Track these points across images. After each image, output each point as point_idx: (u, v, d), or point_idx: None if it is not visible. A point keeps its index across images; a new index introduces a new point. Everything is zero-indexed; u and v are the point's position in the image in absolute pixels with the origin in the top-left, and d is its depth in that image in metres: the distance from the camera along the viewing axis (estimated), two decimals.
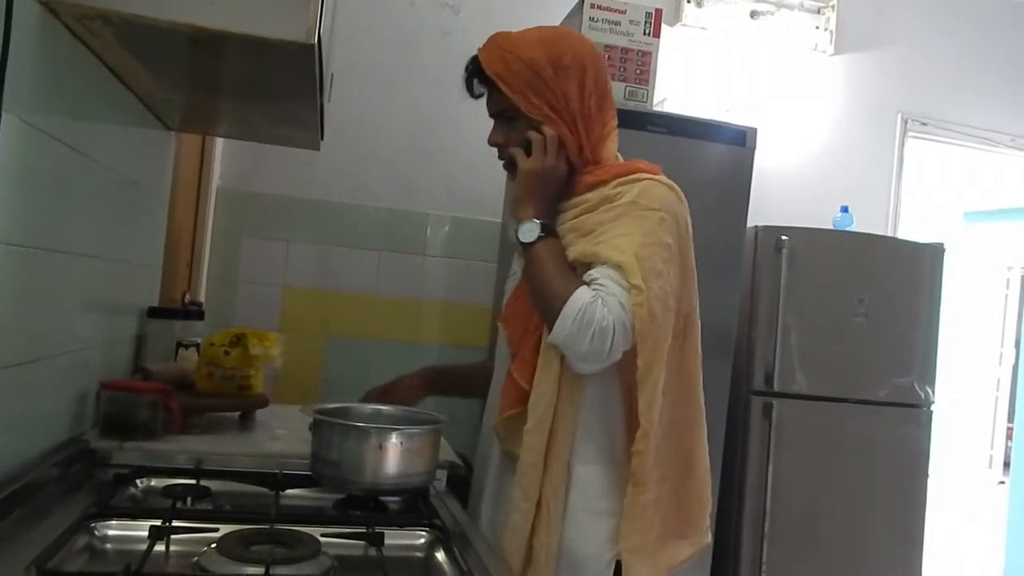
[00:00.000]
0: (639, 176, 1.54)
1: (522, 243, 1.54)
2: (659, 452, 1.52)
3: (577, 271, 1.51)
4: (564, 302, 1.43)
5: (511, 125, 1.59)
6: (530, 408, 1.53)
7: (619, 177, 1.55)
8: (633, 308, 1.42)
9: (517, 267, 1.68)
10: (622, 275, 1.44)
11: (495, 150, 1.65)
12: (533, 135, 1.54)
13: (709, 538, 1.69)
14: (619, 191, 1.53)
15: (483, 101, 1.64)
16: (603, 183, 1.55)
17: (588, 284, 1.46)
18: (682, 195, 1.58)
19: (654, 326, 1.44)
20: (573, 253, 1.52)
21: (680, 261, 1.53)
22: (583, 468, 1.55)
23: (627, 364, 1.48)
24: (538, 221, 1.53)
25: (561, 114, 1.55)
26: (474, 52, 1.62)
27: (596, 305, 1.41)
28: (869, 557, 3.13)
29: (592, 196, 1.55)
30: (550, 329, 1.46)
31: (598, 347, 1.42)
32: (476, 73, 1.59)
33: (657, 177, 1.56)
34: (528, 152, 1.56)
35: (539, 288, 1.52)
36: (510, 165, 1.60)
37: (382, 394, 1.85)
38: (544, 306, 1.50)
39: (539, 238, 1.52)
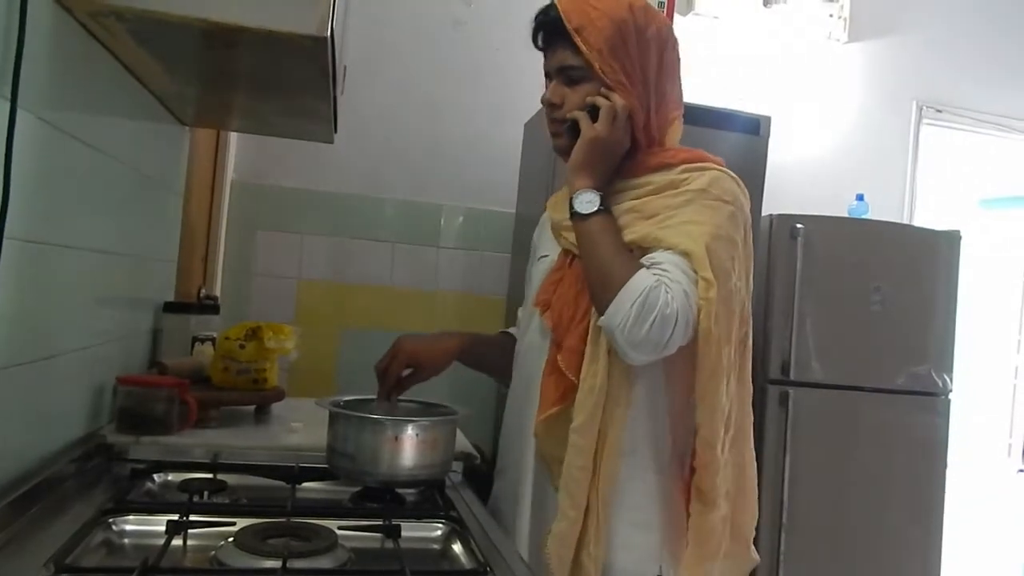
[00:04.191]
0: (708, 165, 1.45)
1: (577, 214, 1.42)
2: (727, 467, 1.44)
3: (633, 254, 1.39)
4: (623, 283, 1.32)
5: (575, 86, 1.46)
6: (577, 405, 1.40)
7: (686, 163, 1.45)
8: (700, 303, 1.32)
9: (551, 249, 1.58)
10: (689, 264, 1.33)
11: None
12: (602, 101, 1.42)
13: (756, 556, 1.56)
14: (687, 177, 1.43)
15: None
16: (669, 167, 1.45)
17: (648, 267, 1.35)
18: (747, 193, 1.48)
19: (718, 328, 1.33)
20: (632, 235, 1.40)
21: (746, 263, 1.45)
22: (627, 475, 1.42)
23: (678, 362, 1.38)
24: (597, 193, 1.41)
25: (635, 85, 1.43)
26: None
27: (660, 290, 1.30)
28: (888, 546, 3.12)
29: (656, 179, 1.45)
30: (602, 312, 1.34)
31: (657, 336, 1.30)
32: (550, 24, 1.46)
33: (724, 169, 1.47)
34: (593, 118, 1.43)
35: (595, 267, 1.39)
36: (571, 128, 1.46)
37: (417, 365, 1.66)
38: (599, 286, 1.37)
39: (598, 211, 1.41)
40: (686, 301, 1.31)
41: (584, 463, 1.39)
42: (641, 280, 1.32)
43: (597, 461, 1.40)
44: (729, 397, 1.43)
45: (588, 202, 1.41)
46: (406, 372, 1.65)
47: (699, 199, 1.40)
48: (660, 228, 1.39)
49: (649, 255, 1.38)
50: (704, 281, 1.32)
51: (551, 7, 1.46)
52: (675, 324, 1.30)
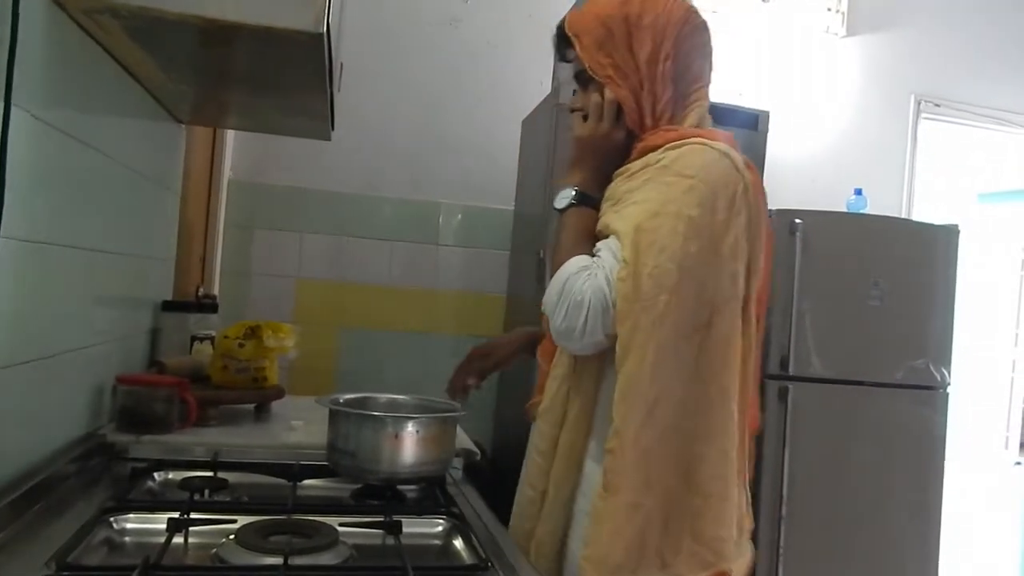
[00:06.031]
0: (690, 141, 1.36)
1: (555, 209, 1.47)
2: (650, 456, 1.28)
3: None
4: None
5: (587, 89, 1.46)
6: (545, 392, 1.46)
7: (671, 142, 1.37)
8: (616, 283, 1.28)
9: None
10: (620, 246, 1.30)
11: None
12: (593, 98, 1.43)
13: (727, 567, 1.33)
14: (662, 157, 1.36)
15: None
16: (654, 148, 1.39)
17: (593, 256, 1.36)
18: (741, 166, 1.36)
19: (638, 306, 1.26)
20: (599, 225, 1.40)
21: (712, 239, 1.30)
22: (593, 466, 1.37)
23: None
24: (574, 189, 1.44)
25: (627, 76, 1.41)
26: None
27: (579, 277, 1.31)
28: (886, 539, 3.12)
29: (635, 164, 1.41)
30: None
31: (572, 323, 1.30)
32: (559, 36, 1.49)
33: (709, 142, 1.36)
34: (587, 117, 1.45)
35: (554, 258, 1.43)
36: None
37: (486, 354, 1.74)
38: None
39: (569, 206, 1.44)
40: (604, 287, 1.29)
41: (545, 448, 1.44)
42: (566, 269, 1.35)
43: (557, 448, 1.42)
44: (660, 384, 1.28)
45: (563, 197, 1.46)
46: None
47: (658, 177, 1.34)
48: (614, 213, 1.38)
49: (598, 244, 1.39)
50: (623, 262, 1.28)
51: (562, 20, 1.49)
52: (587, 310, 1.29)
